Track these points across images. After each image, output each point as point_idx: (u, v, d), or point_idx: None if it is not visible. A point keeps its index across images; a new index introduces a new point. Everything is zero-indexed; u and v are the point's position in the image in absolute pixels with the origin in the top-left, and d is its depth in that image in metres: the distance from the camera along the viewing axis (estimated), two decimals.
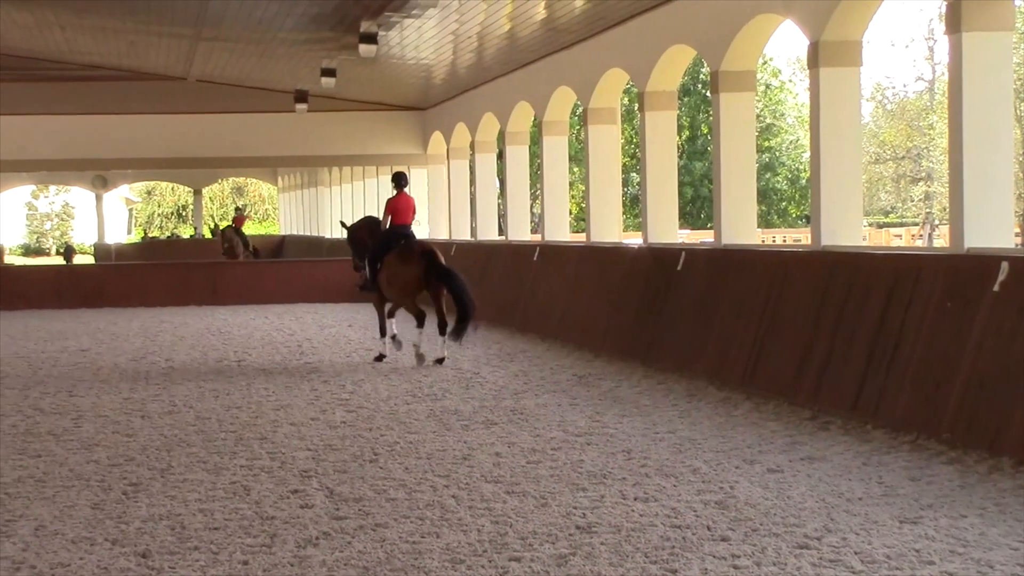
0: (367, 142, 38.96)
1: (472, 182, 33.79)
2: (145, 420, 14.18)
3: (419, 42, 26.62)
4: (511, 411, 14.43)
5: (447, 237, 34.83)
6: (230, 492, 10.32)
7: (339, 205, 51.29)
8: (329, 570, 8.10)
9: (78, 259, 64.55)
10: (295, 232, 62.37)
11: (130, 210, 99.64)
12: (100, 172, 60.43)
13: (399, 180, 20.11)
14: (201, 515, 9.53)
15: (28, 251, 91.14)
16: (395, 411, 14.59)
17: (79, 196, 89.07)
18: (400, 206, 19.83)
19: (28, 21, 29.74)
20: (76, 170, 53.99)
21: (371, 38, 24.93)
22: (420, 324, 19.42)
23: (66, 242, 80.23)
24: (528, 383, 16.85)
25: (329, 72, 29.77)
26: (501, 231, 31.41)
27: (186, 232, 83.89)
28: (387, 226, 19.80)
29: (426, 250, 19.26)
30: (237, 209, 63.49)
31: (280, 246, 61.51)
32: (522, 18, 23.04)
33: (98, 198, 65.34)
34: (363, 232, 20.45)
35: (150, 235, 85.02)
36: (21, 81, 36.71)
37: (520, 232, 29.13)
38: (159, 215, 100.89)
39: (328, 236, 52.13)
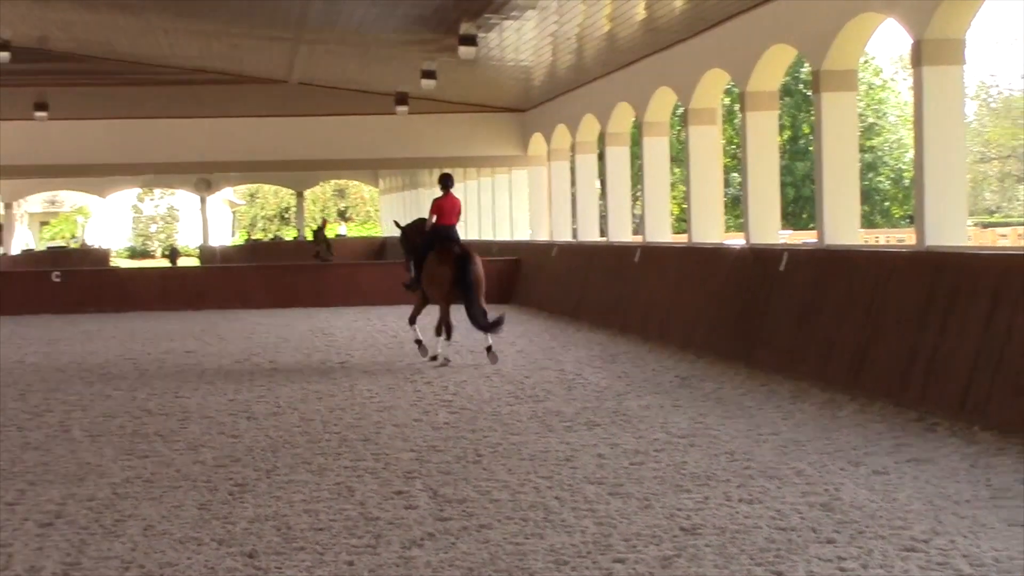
0: (467, 144, 39.06)
1: (573, 183, 33.78)
2: (250, 421, 14.31)
3: (518, 43, 26.66)
4: (613, 412, 14.40)
5: (548, 238, 34.84)
6: (335, 493, 10.39)
7: None
8: (434, 571, 8.12)
9: (183, 261, 65.28)
10: (397, 234, 62.64)
11: (233, 213, 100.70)
12: (204, 175, 61.10)
13: (445, 181, 20.46)
14: (306, 516, 9.60)
15: (134, 254, 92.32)
16: (498, 412, 14.62)
17: (183, 199, 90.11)
18: (446, 207, 20.22)
19: (133, 26, 30.13)
20: (180, 173, 54.62)
21: (471, 40, 25.02)
22: (438, 333, 19.90)
23: (171, 245, 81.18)
24: (630, 384, 16.81)
25: (429, 74, 29.91)
26: (602, 232, 31.34)
27: (289, 234, 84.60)
28: (431, 226, 20.23)
29: (462, 254, 19.65)
30: (323, 218, 63.97)
31: (382, 248, 61.83)
32: (622, 19, 22.99)
33: (202, 201, 66.07)
34: (413, 232, 20.87)
35: (253, 237, 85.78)
36: (126, 85, 37.20)
37: (621, 233, 29.06)
38: (262, 217, 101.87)
39: None
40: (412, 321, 20.72)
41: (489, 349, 19.64)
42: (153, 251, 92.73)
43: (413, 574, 8.09)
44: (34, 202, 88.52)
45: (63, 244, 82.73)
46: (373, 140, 39.20)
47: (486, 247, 37.62)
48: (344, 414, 14.70)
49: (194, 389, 17.21)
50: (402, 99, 35.10)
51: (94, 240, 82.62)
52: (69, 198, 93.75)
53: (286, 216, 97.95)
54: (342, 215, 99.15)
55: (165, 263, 65.74)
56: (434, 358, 19.86)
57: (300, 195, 72.61)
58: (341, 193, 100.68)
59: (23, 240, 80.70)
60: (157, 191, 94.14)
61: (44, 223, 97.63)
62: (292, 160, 40.99)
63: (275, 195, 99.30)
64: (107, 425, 14.09)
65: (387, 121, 37.89)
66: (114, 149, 39.11)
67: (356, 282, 34.77)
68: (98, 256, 63.23)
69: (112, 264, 61.40)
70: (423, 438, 12.93)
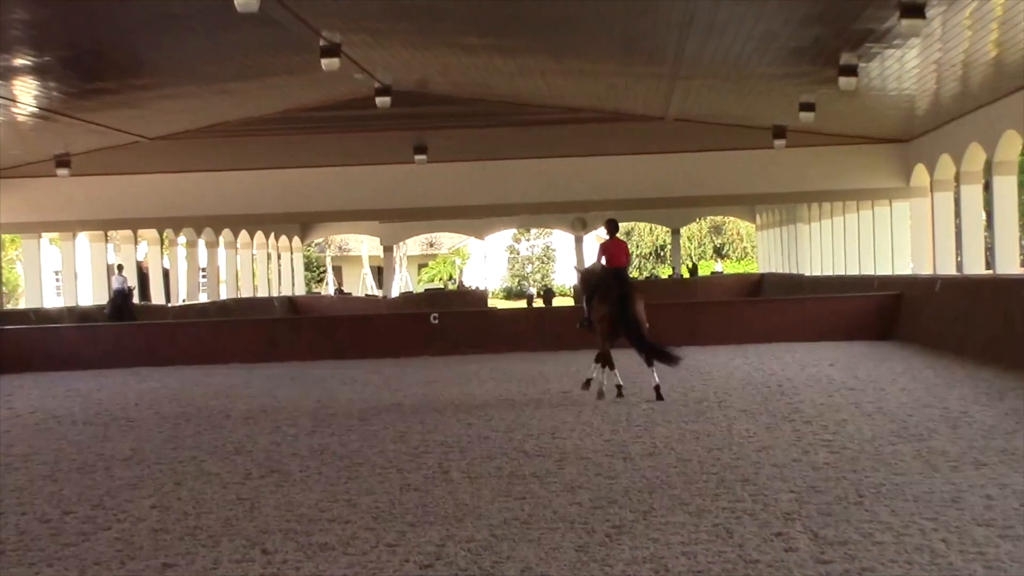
0: (847, 176, 38.57)
1: (957, 214, 32.95)
2: (627, 462, 14.42)
3: (900, 72, 26.21)
4: (1002, 451, 13.97)
5: (931, 272, 34.04)
6: (713, 535, 10.39)
7: (819, 241, 50.90)
8: None
9: (557, 301, 66.28)
10: (774, 271, 62.22)
11: None
12: (580, 214, 62.10)
13: (611, 226, 22.22)
14: (684, 558, 9.63)
15: (509, 294, 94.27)
16: (880, 452, 14.36)
17: (559, 239, 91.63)
18: (613, 250, 21.80)
19: (511, 68, 30.87)
20: (557, 213, 55.63)
21: (851, 70, 24.76)
22: (601, 363, 21.77)
23: (546, 284, 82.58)
24: (1020, 422, 16.26)
25: (808, 106, 29.70)
26: (988, 265, 30.46)
27: (664, 272, 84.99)
28: (600, 269, 21.83)
29: (622, 293, 21.12)
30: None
31: (759, 285, 61.52)
32: (1009, 43, 22.36)
33: (577, 240, 67.08)
34: (587, 276, 22.58)
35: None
36: (503, 126, 38.10)
37: (1008, 265, 28.16)
38: (637, 255, 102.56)
39: (808, 273, 51.78)
40: (597, 359, 22.06)
41: (657, 388, 20.99)
42: (528, 292, 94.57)
43: None
44: (413, 245, 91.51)
45: (440, 286, 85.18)
46: (750, 175, 39.12)
47: (866, 282, 37.01)
48: (721, 454, 14.68)
49: (571, 430, 17.45)
50: (780, 132, 34.94)
51: (471, 281, 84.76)
52: (447, 240, 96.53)
53: (662, 254, 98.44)
54: (718, 252, 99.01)
55: (539, 303, 66.88)
56: (588, 384, 21.90)
57: (676, 232, 72.88)
58: (717, 229, 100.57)
59: (402, 282, 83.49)
60: (533, 231, 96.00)
61: (423, 265, 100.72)
62: (668, 197, 41.24)
63: (650, 232, 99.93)
64: (485, 467, 14.42)
65: (764, 155, 37.78)
66: (491, 190, 40.16)
67: (732, 320, 34.65)
68: (476, 297, 64.83)
69: (489, 305, 62.83)
70: (803, 478, 12.81)
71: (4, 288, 50.63)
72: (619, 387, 21.52)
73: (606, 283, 21.48)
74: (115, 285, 41.77)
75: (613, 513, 11.42)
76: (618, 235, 22.22)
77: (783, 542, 10.04)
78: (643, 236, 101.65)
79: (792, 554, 9.63)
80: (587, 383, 22.09)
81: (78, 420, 21.09)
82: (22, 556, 10.42)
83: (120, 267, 43.09)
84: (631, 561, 9.59)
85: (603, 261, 21.85)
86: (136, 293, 43.04)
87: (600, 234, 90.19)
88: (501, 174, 39.96)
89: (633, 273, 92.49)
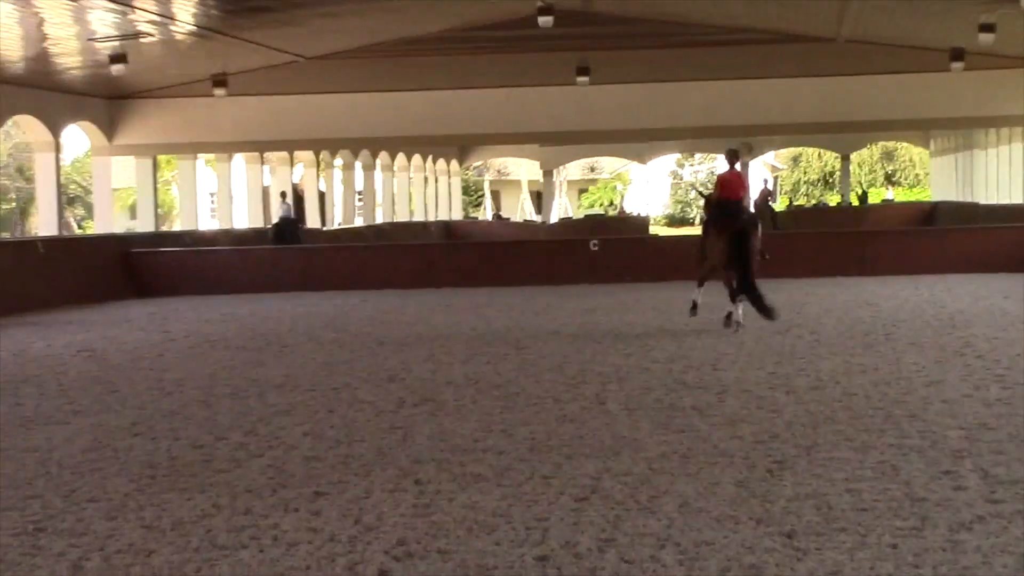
0: None
1: None
2: (790, 395, 14.31)
3: None
4: None
5: None
6: (878, 472, 10.28)
7: (995, 169, 49.93)
8: (984, 556, 7.93)
9: None
10: (948, 199, 61.19)
11: (775, 177, 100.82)
12: (746, 139, 61.51)
13: (731, 156, 22.33)
14: (848, 495, 9.54)
15: (672, 221, 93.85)
16: None
17: (724, 164, 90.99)
18: (731, 182, 21.74)
19: None
20: (722, 137, 55.15)
21: None
22: (732, 298, 21.41)
23: None
24: None
25: (988, 28, 29.09)
26: None
27: (833, 200, 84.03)
28: (716, 200, 21.84)
29: (740, 229, 21.04)
30: (764, 181, 63.04)
31: (932, 213, 60.57)
32: None
33: (743, 165, 66.44)
34: (708, 204, 22.67)
35: (795, 203, 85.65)
36: (668, 47, 37.85)
37: None
38: (805, 182, 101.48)
39: (983, 202, 50.85)
40: (700, 283, 22.31)
41: (729, 316, 21.34)
42: (692, 219, 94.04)
43: (961, 559, 7.92)
44: (573, 169, 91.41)
45: (601, 212, 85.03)
46: (925, 99, 38.48)
47: None
48: (889, 389, 14.51)
49: (732, 362, 17.36)
50: (958, 55, 34.21)
51: (633, 208, 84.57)
52: (608, 164, 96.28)
53: (830, 180, 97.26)
54: (889, 179, 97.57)
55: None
56: (729, 323, 21.35)
57: (846, 158, 72.00)
58: (889, 156, 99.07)
59: (562, 208, 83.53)
60: (697, 156, 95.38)
61: (583, 190, 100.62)
62: (839, 122, 40.74)
63: (819, 159, 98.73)
64: (643, 398, 14.39)
65: (940, 79, 37.09)
66: (654, 114, 39.98)
67: (904, 250, 34.17)
68: (637, 224, 64.63)
69: (651, 232, 62.62)
70: (974, 415, 12.62)
71: (160, 210, 51.53)
72: (735, 320, 21.40)
73: (725, 215, 21.46)
74: (280, 212, 42.33)
75: (775, 448, 11.36)
76: (737, 167, 22.32)
77: (952, 480, 9.90)
78: (811, 162, 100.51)
79: (961, 493, 9.49)
80: (693, 308, 22.28)
81: (232, 344, 21.45)
82: (174, 481, 10.62)
83: (284, 194, 43.61)
84: (793, 498, 9.53)
85: (718, 192, 21.95)
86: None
87: (768, 159, 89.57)
88: (665, 97, 39.72)
89: (800, 200, 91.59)
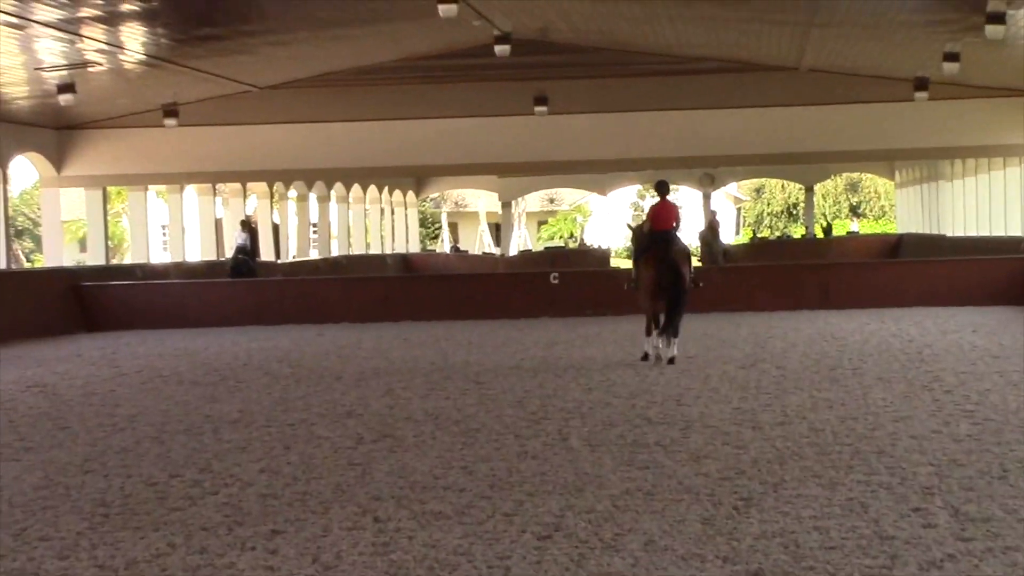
0: (993, 131, 38.02)
1: None
2: (756, 431, 14.34)
3: None
4: None
5: None
6: (846, 509, 10.31)
7: (962, 200, 50.23)
8: None
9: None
10: (914, 230, 61.49)
11: (738, 209, 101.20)
12: (708, 170, 61.75)
13: (660, 188, 23.11)
14: (816, 533, 9.57)
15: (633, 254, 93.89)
16: None
17: (686, 195, 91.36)
18: (660, 213, 22.36)
19: (637, 14, 30.74)
20: (684, 168, 55.34)
21: (999, 18, 24.32)
22: (647, 332, 22.07)
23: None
24: None
25: (952, 56, 29.27)
26: None
27: (797, 232, 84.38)
28: (648, 231, 22.35)
29: (668, 260, 21.63)
30: (712, 212, 63.48)
31: (898, 245, 60.87)
32: None
33: (705, 196, 66.72)
34: (637, 235, 23.04)
35: (759, 235, 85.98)
36: (627, 76, 38.00)
37: None
38: (768, 214, 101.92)
39: (950, 234, 51.14)
40: (648, 332, 22.25)
41: (645, 355, 21.96)
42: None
43: None
44: (532, 201, 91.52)
45: (561, 244, 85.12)
46: (889, 129, 38.70)
47: (1013, 244, 36.51)
48: (856, 424, 14.56)
49: (696, 397, 17.39)
50: (922, 84, 34.47)
51: (593, 240, 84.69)
52: (568, 196, 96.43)
53: (794, 212, 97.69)
54: (854, 211, 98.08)
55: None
56: (645, 357, 21.96)
57: (810, 190, 72.27)
58: (854, 187, 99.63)
59: (521, 240, 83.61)
60: None
61: (543, 222, 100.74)
62: (802, 152, 40.93)
63: (782, 190, 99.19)
64: (606, 434, 14.40)
65: (905, 108, 37.35)
66: (615, 144, 40.08)
67: (869, 283, 34.28)
68: (598, 256, 64.73)
69: (612, 266, 62.72)
70: (943, 451, 12.67)
71: (110, 242, 51.35)
72: (657, 350, 21.94)
73: (654, 246, 22.02)
74: (238, 241, 42.23)
75: (741, 484, 11.38)
76: (669, 198, 22.95)
77: (921, 518, 9.94)
78: (774, 193, 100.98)
79: (931, 531, 9.53)
80: (644, 357, 22.20)
81: (185, 379, 21.38)
82: (127, 519, 10.59)
83: (243, 223, 43.50)
84: (760, 535, 9.55)
85: (648, 224, 22.47)
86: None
87: (731, 191, 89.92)
88: (625, 127, 39.82)
89: (763, 232, 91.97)
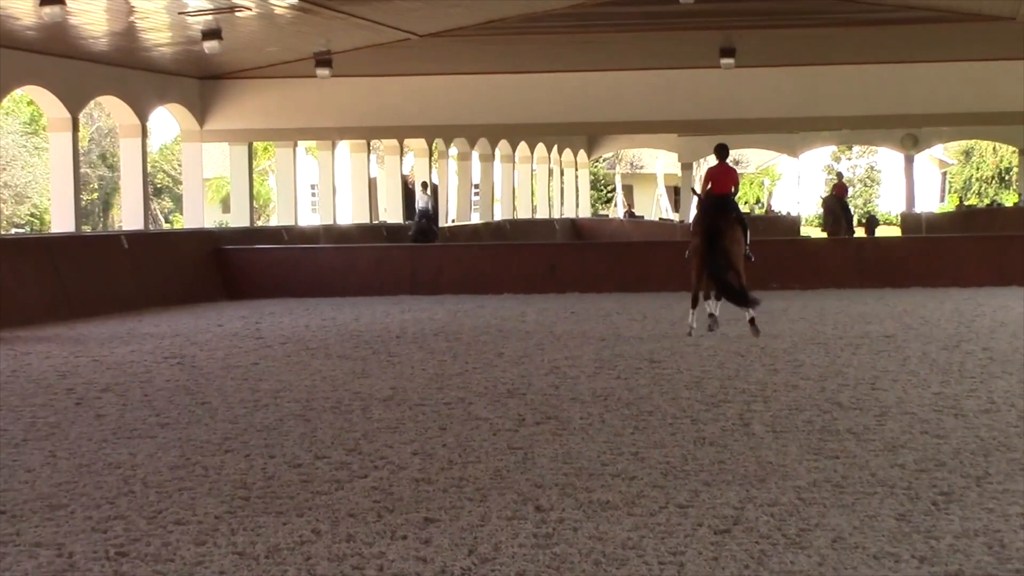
0: None
1: None
2: (958, 419, 14.17)
3: None
4: None
5: None
6: None
7: None
8: None
9: (881, 231, 65.28)
10: None
11: (944, 174, 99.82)
12: (911, 130, 60.93)
13: (720, 151, 23.55)
14: None
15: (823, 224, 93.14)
16: None
17: (886, 158, 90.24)
18: (721, 177, 23.11)
19: None
20: (883, 128, 54.71)
21: None
22: (692, 304, 23.13)
23: (869, 211, 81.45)
24: None
25: None
26: None
27: (1009, 200, 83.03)
28: (704, 195, 23.22)
29: (714, 225, 22.26)
30: (839, 175, 62.38)
31: None
32: None
33: (907, 160, 65.92)
34: (701, 200, 23.64)
35: (966, 203, 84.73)
36: (823, 26, 37.59)
37: None
38: (977, 179, 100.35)
39: None
40: (694, 304, 23.28)
41: (752, 322, 22.36)
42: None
43: None
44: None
45: (746, 211, 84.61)
46: None
47: None
48: None
49: (893, 380, 17.22)
50: None
51: (782, 206, 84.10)
52: (754, 158, 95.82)
53: (1006, 178, 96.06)
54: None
55: (861, 233, 66.14)
56: (690, 333, 22.70)
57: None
58: None
59: None
60: (855, 149, 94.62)
61: None
62: (1017, 111, 40.24)
63: (994, 153, 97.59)
64: (792, 420, 14.32)
65: None
66: (807, 101, 39.78)
67: None
68: (786, 224, 64.28)
69: (802, 234, 62.24)
70: None
71: (255, 203, 52.04)
72: (712, 317, 22.86)
73: (708, 211, 22.64)
74: (420, 204, 42.52)
75: (941, 478, 11.25)
76: (728, 161, 23.59)
77: None
78: (985, 157, 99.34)
79: None
80: (689, 332, 22.80)
81: (333, 353, 21.59)
82: (269, 504, 10.69)
83: (425, 184, 43.82)
84: (960, 534, 9.43)
85: (709, 186, 23.21)
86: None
87: (937, 153, 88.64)
88: (820, 82, 39.48)
89: (971, 200, 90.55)
